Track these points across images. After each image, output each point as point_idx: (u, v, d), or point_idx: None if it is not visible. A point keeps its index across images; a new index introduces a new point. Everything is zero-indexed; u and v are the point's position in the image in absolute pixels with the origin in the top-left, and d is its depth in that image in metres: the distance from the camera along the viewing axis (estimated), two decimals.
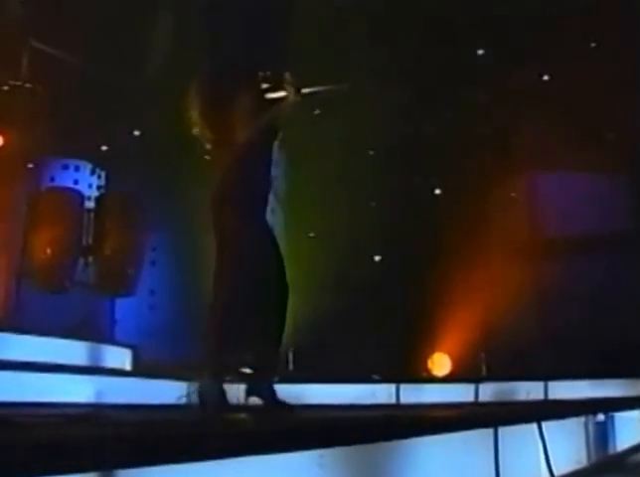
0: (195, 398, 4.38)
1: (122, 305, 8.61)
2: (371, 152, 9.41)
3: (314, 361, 8.39)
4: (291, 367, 8.38)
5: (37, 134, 7.47)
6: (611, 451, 4.91)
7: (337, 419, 3.93)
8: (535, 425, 3.86)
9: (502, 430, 3.51)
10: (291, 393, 5.22)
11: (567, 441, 4.39)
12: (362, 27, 8.72)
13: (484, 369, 8.63)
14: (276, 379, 4.79)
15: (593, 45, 8.84)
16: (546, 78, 9.11)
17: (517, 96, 9.15)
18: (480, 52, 9.14)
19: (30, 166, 7.86)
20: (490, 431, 3.46)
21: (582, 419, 4.65)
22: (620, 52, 8.43)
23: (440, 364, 9.11)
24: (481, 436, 3.45)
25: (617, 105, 8.65)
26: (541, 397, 7.88)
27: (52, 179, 8.37)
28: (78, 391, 5.65)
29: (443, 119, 9.06)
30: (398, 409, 7.16)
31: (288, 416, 4.12)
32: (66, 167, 8.53)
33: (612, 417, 5.04)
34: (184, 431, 2.53)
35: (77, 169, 8.57)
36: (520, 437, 3.76)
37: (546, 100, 8.99)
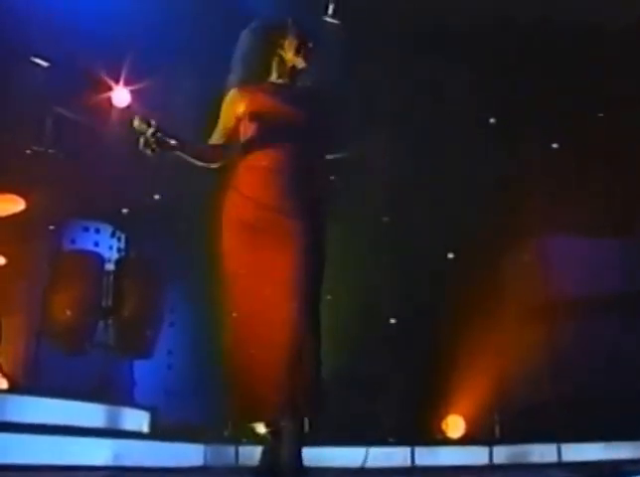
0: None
1: (140, 367, 8.65)
2: (385, 218, 9.50)
3: (328, 423, 8.41)
4: (306, 428, 8.38)
5: (58, 197, 7.63)
6: None
7: None
8: None
9: None
10: (305, 455, 5.28)
11: None
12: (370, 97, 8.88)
13: (498, 431, 8.65)
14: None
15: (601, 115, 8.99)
16: (555, 146, 9.25)
17: (528, 162, 9.28)
18: (492, 120, 9.28)
19: (51, 228, 8.01)
20: None
21: None
22: (628, 119, 8.60)
23: (455, 426, 9.13)
24: None
25: (628, 169, 8.79)
26: (554, 459, 7.90)
27: (73, 241, 8.47)
28: (96, 454, 5.75)
29: (455, 183, 9.16)
30: (412, 473, 7.19)
31: None
32: (86, 229, 8.63)
33: None
34: None
35: (97, 231, 8.66)
36: None
37: (557, 166, 9.12)
